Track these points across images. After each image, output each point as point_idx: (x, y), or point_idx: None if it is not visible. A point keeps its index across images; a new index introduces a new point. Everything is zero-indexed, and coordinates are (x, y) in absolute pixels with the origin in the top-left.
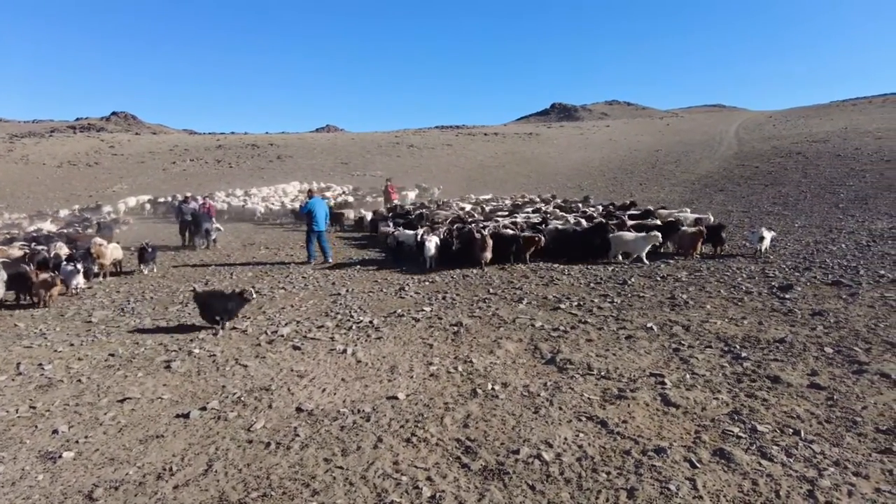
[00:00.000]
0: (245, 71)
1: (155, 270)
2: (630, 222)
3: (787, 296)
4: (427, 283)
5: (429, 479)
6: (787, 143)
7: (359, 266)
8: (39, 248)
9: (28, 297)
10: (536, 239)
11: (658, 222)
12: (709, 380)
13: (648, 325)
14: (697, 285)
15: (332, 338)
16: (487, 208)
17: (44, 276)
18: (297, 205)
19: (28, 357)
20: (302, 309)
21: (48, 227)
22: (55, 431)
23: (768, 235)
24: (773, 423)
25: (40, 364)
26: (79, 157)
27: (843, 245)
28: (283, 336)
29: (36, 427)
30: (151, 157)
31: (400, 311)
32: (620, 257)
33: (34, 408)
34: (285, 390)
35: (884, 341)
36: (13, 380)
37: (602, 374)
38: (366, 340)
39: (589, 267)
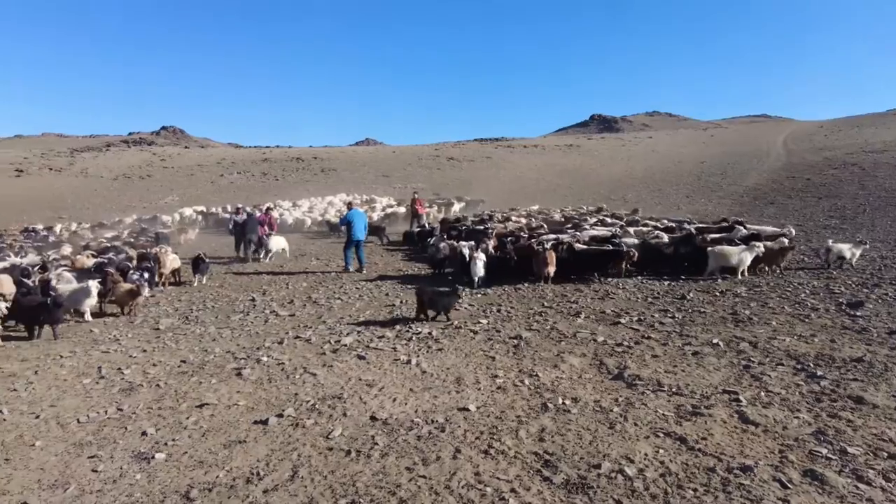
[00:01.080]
0: (286, 85)
1: (204, 281)
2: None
3: (858, 313)
4: (480, 296)
5: (513, 490)
6: (841, 153)
7: (409, 278)
8: (113, 257)
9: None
10: (631, 253)
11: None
12: (785, 398)
13: (714, 340)
14: (759, 301)
15: (394, 348)
16: (555, 219)
17: (129, 285)
18: (331, 217)
19: (107, 362)
20: (360, 319)
21: (110, 235)
22: (144, 433)
23: (857, 251)
24: (863, 445)
25: (119, 368)
26: (132, 170)
27: None
28: (346, 346)
29: (126, 428)
30: (200, 170)
31: (457, 323)
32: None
33: (121, 410)
34: (357, 399)
35: None
36: (97, 382)
37: (673, 390)
38: (427, 351)
39: (644, 281)
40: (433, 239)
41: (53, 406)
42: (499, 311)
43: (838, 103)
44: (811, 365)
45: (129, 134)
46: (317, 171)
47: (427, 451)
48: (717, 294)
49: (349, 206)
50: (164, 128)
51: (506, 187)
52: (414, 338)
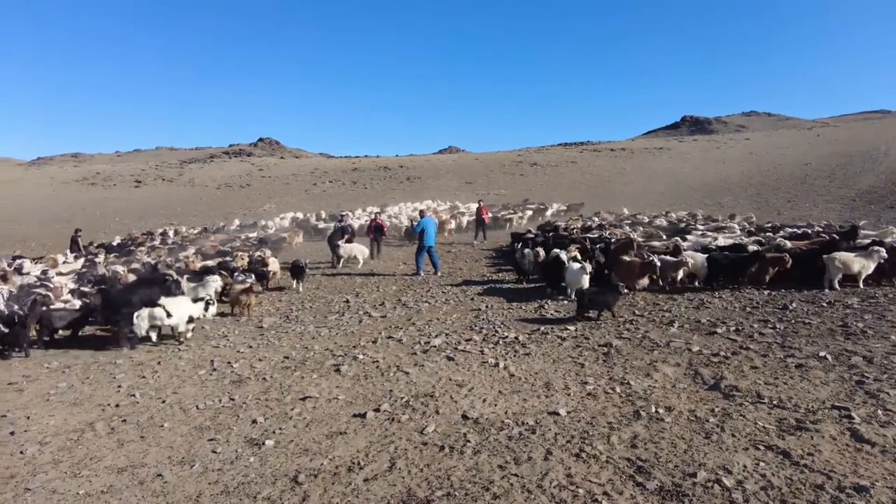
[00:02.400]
0: (374, 96)
1: (300, 289)
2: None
3: None
4: (566, 303)
5: (605, 493)
6: None
7: (494, 283)
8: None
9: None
10: (785, 259)
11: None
12: None
13: (821, 353)
14: (875, 313)
15: (481, 351)
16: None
17: (242, 285)
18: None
19: (218, 356)
20: (448, 322)
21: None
22: (254, 421)
23: None
24: None
25: (229, 362)
26: (233, 179)
27: None
28: (435, 347)
29: (238, 416)
30: (294, 179)
31: (543, 328)
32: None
33: (233, 399)
34: (448, 398)
35: None
36: (210, 374)
37: (774, 403)
38: (514, 356)
39: (741, 290)
40: (519, 245)
41: (175, 393)
42: (587, 318)
43: None
44: None
45: (230, 145)
46: (402, 179)
47: (518, 451)
48: (825, 305)
49: (421, 213)
50: (261, 139)
51: (592, 192)
52: (501, 342)
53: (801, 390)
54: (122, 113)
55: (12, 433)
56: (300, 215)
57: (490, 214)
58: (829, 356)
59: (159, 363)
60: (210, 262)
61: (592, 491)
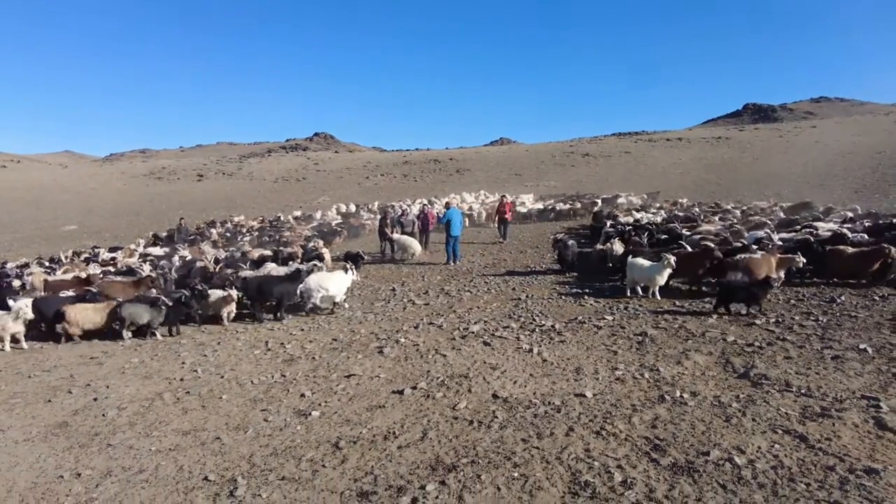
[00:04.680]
0: (426, 89)
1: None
2: None
3: None
4: (606, 293)
5: (619, 467)
6: None
7: (536, 275)
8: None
9: None
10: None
11: None
12: None
13: (861, 346)
14: None
15: (517, 337)
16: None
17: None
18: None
19: (272, 337)
20: (487, 310)
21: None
22: (302, 395)
23: None
24: None
25: (282, 343)
26: (290, 173)
27: None
28: (473, 333)
29: (288, 391)
30: (348, 173)
31: (580, 317)
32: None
33: (284, 376)
34: (481, 379)
35: None
36: (265, 354)
37: (802, 391)
38: (549, 342)
39: (789, 284)
40: (561, 235)
41: (233, 370)
42: (625, 308)
43: None
44: None
45: (287, 140)
46: (452, 171)
47: (542, 427)
48: (876, 299)
49: (447, 205)
50: (316, 134)
51: (645, 183)
52: (537, 329)
53: (833, 380)
54: (185, 110)
55: (95, 399)
56: (343, 207)
57: (513, 210)
58: (869, 349)
59: (219, 343)
60: (266, 252)
61: (607, 464)
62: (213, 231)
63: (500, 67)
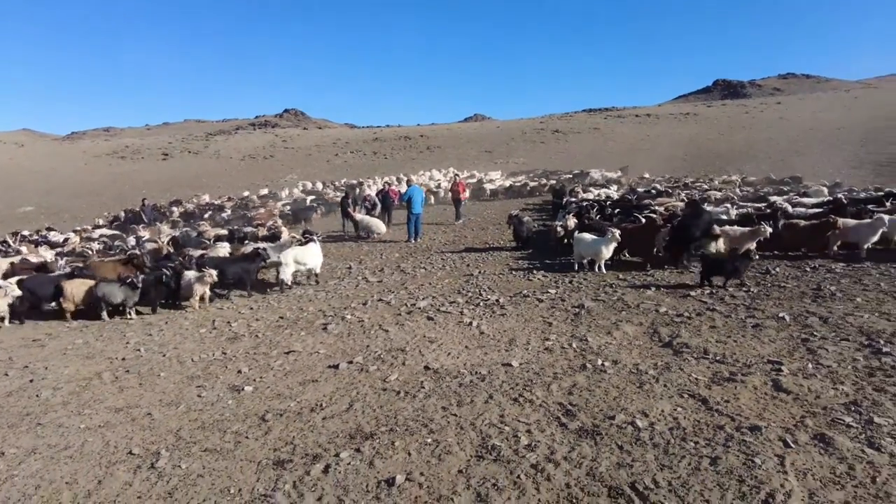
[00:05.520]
0: (398, 65)
1: None
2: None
3: None
4: (555, 268)
5: (528, 431)
6: None
7: (493, 251)
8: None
9: None
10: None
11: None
12: (833, 371)
13: (781, 314)
14: (853, 277)
15: (461, 312)
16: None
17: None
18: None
19: (220, 317)
20: (438, 286)
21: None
22: (239, 371)
23: None
24: None
25: (229, 322)
26: (258, 150)
27: None
28: (420, 308)
29: (226, 367)
30: (317, 150)
31: (526, 291)
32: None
33: (225, 353)
34: (417, 352)
35: None
36: (210, 332)
37: (717, 358)
38: (491, 316)
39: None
40: (515, 212)
41: (176, 349)
42: (570, 282)
43: None
44: (881, 342)
45: (256, 117)
46: (423, 148)
47: (464, 395)
48: (807, 270)
49: (408, 183)
50: (286, 110)
51: (614, 159)
52: (482, 304)
53: (748, 347)
54: (152, 86)
55: (31, 381)
56: (309, 185)
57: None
58: (787, 317)
59: (166, 323)
60: (222, 231)
61: (517, 429)
62: (175, 210)
63: (477, 42)
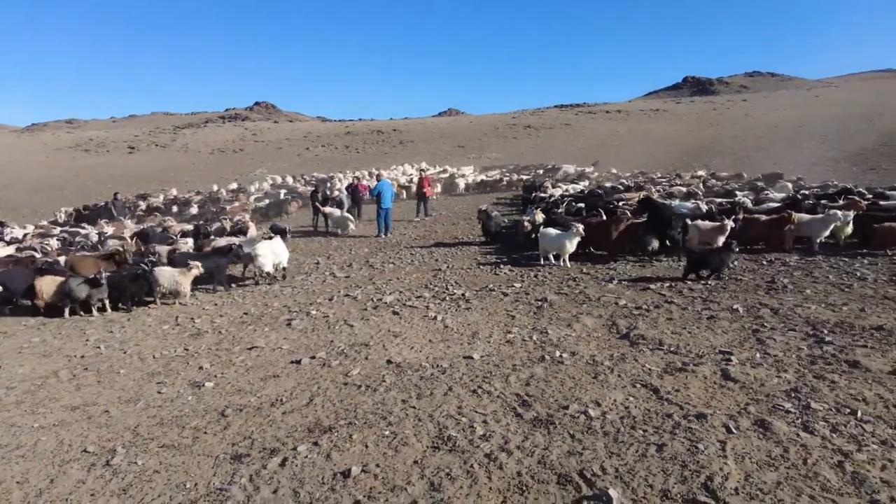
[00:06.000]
0: (372, 58)
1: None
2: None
3: None
4: (523, 262)
5: (484, 421)
6: None
7: (462, 245)
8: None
9: None
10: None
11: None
12: (779, 360)
13: (735, 307)
14: (805, 270)
15: (427, 306)
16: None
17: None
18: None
19: (183, 313)
20: (406, 281)
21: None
22: (201, 367)
23: None
24: (831, 402)
25: (192, 318)
26: (227, 144)
27: None
28: (386, 303)
29: (188, 363)
30: (288, 144)
31: (491, 285)
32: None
33: (187, 350)
34: (381, 346)
35: None
36: (173, 329)
37: (671, 349)
38: (456, 310)
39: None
40: (485, 207)
41: (138, 345)
42: (535, 276)
43: None
44: (825, 331)
45: (226, 110)
46: (395, 143)
47: (424, 388)
48: (764, 263)
49: (378, 177)
50: (257, 103)
51: (584, 155)
52: (448, 298)
53: (701, 338)
54: (118, 78)
55: None
56: (279, 179)
57: (438, 189)
58: (741, 308)
59: (128, 319)
60: (187, 226)
61: (474, 419)
62: (143, 204)
63: (451, 36)
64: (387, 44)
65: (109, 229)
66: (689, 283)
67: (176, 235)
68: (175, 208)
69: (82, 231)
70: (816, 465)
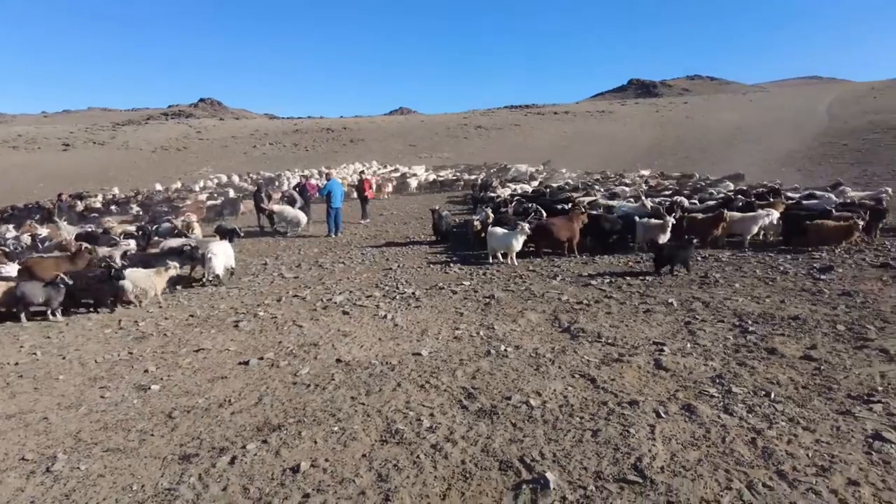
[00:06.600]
0: (324, 56)
1: None
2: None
3: (823, 277)
4: (472, 260)
5: (431, 414)
6: (888, 115)
7: (413, 245)
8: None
9: None
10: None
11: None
12: (707, 349)
13: (670, 300)
14: (735, 265)
15: (377, 305)
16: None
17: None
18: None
19: (127, 316)
20: (356, 281)
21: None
22: (146, 371)
23: None
24: (750, 386)
25: (136, 321)
26: (170, 142)
27: None
28: (336, 303)
29: (132, 367)
30: (234, 142)
31: (441, 284)
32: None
33: (131, 353)
34: (330, 346)
35: None
36: (116, 332)
37: (609, 341)
38: (406, 308)
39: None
40: (436, 207)
41: (78, 350)
42: (484, 274)
43: None
44: (749, 322)
45: (169, 107)
46: (346, 141)
47: (373, 385)
48: (699, 259)
49: (328, 176)
50: (202, 100)
51: (533, 155)
52: (398, 297)
53: (637, 331)
54: (50, 70)
55: None
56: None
57: (379, 190)
58: (675, 302)
59: (67, 324)
60: (130, 228)
61: (421, 413)
62: (80, 204)
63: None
64: (337, 41)
65: (42, 231)
66: (629, 278)
67: (118, 237)
68: (114, 208)
69: (8, 235)
70: (733, 443)
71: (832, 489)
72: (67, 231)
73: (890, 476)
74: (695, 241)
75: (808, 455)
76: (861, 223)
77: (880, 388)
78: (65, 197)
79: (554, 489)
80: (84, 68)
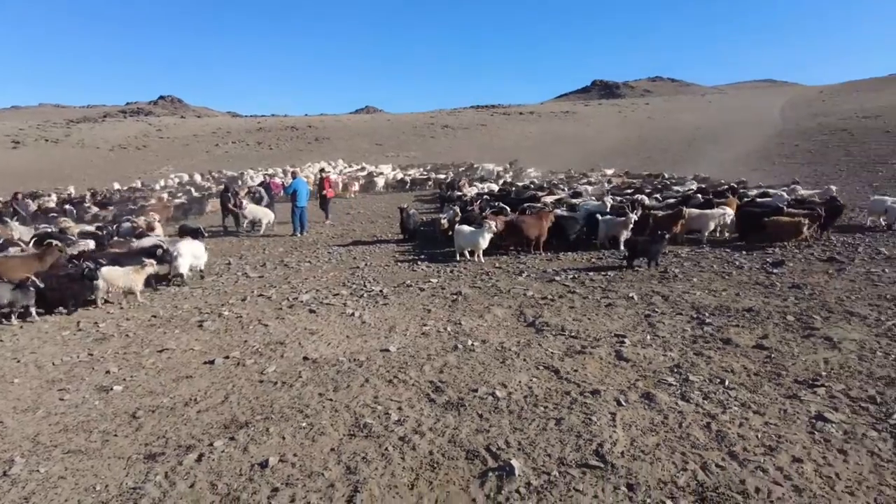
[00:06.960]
0: (289, 53)
1: None
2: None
3: (775, 271)
4: (439, 258)
5: (399, 408)
6: (835, 119)
7: (380, 243)
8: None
9: None
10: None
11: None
12: (666, 340)
13: (631, 294)
14: (694, 261)
15: (344, 303)
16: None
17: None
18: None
19: (86, 317)
20: (323, 279)
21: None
22: (108, 372)
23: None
24: (706, 374)
25: (96, 322)
26: (129, 140)
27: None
28: (302, 302)
29: (93, 368)
30: (196, 140)
31: (409, 281)
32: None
33: (91, 355)
34: (297, 344)
35: (845, 311)
36: (75, 334)
37: (572, 334)
38: (373, 306)
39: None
40: (404, 206)
41: (34, 353)
42: (451, 272)
43: (847, 66)
44: (706, 314)
45: (127, 104)
46: (311, 139)
47: (341, 381)
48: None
49: (293, 175)
50: (161, 97)
51: (499, 155)
52: (366, 295)
53: (599, 324)
54: None
55: None
56: (186, 177)
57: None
58: (636, 296)
59: (21, 327)
60: (89, 228)
61: (389, 407)
62: (30, 203)
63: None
64: (302, 38)
65: None
66: (591, 274)
67: (74, 237)
68: (69, 207)
69: None
70: (689, 427)
71: (778, 466)
72: (19, 231)
73: (830, 453)
74: (666, 235)
75: (757, 436)
76: (807, 222)
77: (824, 374)
78: (20, 196)
79: (519, 475)
80: (34, 63)
